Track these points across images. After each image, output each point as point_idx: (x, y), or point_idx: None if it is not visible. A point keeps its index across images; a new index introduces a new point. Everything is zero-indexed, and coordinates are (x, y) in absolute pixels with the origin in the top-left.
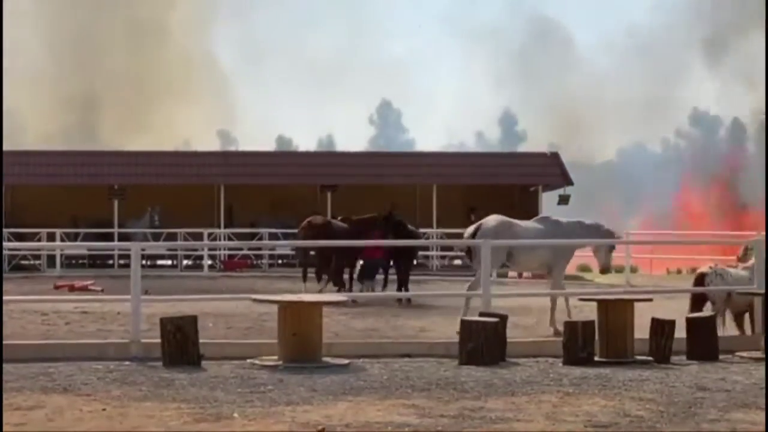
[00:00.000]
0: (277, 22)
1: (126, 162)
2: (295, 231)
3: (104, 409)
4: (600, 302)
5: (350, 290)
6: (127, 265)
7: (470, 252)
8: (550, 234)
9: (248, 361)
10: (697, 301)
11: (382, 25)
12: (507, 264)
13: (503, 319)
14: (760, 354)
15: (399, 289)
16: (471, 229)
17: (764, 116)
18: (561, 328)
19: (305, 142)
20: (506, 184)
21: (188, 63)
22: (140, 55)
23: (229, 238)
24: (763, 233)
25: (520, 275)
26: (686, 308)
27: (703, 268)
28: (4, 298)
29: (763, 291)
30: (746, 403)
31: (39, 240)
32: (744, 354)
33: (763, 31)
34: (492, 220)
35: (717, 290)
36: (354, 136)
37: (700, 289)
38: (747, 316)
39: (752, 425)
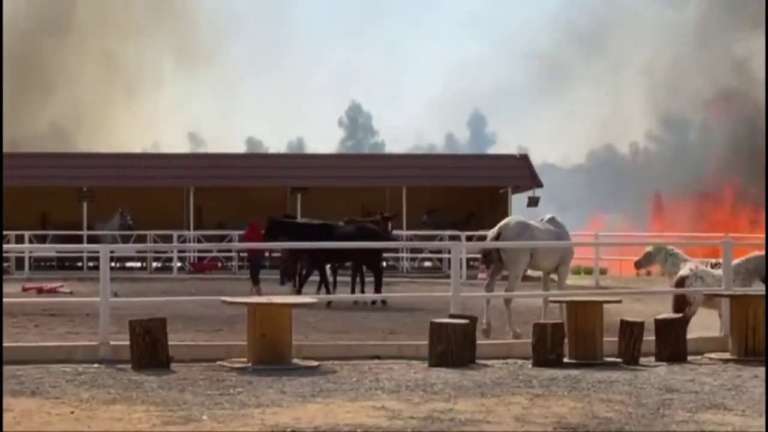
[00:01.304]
0: (248, 25)
1: (95, 164)
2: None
3: (72, 412)
4: (569, 304)
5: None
6: (96, 268)
7: (488, 257)
8: (563, 236)
9: (217, 363)
10: (679, 304)
11: (353, 28)
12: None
13: (473, 320)
14: (728, 355)
15: (376, 291)
16: (493, 231)
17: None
18: (519, 329)
19: (275, 144)
20: (476, 186)
21: (156, 64)
22: (110, 54)
23: (199, 240)
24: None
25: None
26: (655, 310)
27: (684, 271)
28: None
29: (729, 292)
30: (714, 404)
31: (8, 242)
32: (712, 355)
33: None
34: (512, 222)
35: (686, 291)
36: (324, 139)
37: (670, 290)
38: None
39: (720, 426)
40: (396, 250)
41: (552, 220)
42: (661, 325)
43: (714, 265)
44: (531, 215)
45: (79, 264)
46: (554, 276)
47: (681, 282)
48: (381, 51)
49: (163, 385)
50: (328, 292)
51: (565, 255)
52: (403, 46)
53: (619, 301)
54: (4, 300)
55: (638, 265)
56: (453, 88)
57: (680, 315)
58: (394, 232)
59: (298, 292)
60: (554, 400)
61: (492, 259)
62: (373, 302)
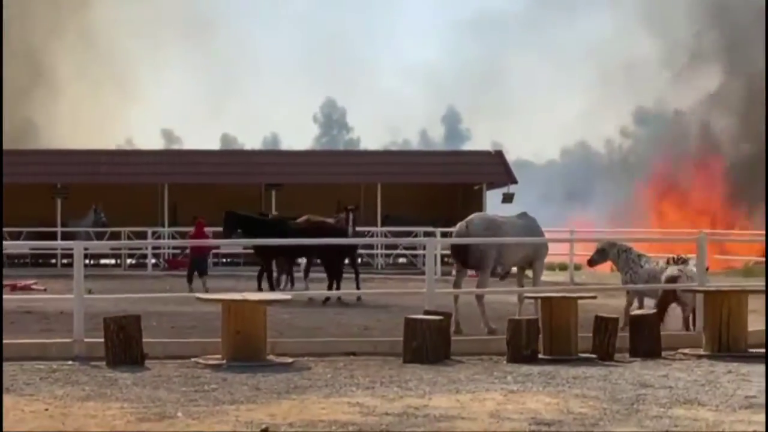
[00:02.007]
0: (221, 21)
1: (69, 161)
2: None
3: (47, 409)
4: (543, 300)
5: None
6: (70, 265)
7: (462, 254)
8: (533, 229)
9: (192, 360)
10: (666, 302)
11: (327, 24)
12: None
13: (447, 316)
14: (701, 351)
15: (329, 288)
16: (460, 229)
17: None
18: (494, 325)
19: (250, 140)
20: (450, 182)
21: (131, 60)
22: (82, 50)
23: (173, 237)
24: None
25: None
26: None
27: (672, 271)
28: None
29: (703, 288)
30: (688, 400)
31: None
32: (686, 351)
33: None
34: (479, 219)
35: (653, 287)
36: (299, 135)
37: (648, 286)
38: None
39: (694, 421)
40: (370, 246)
41: (523, 215)
42: (635, 321)
43: (676, 261)
44: (506, 211)
45: (53, 261)
46: (529, 272)
47: (673, 281)
48: (355, 46)
49: (137, 382)
50: (270, 288)
51: (539, 249)
52: (376, 41)
53: (594, 297)
54: None
55: (591, 262)
56: (429, 83)
57: (654, 311)
58: (367, 228)
59: (271, 289)
60: (529, 395)
61: (465, 259)
62: (326, 299)
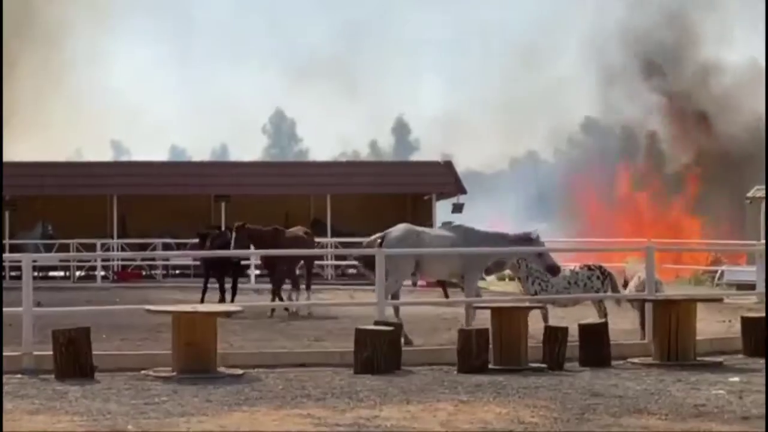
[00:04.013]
0: (168, 31)
1: (17, 173)
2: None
3: None
4: (494, 310)
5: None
6: (18, 277)
7: (370, 262)
8: (462, 242)
9: (142, 372)
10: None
11: (276, 33)
12: (414, 273)
13: (398, 327)
14: (651, 360)
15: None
16: (375, 239)
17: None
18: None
19: (199, 151)
20: (400, 193)
21: (79, 71)
22: (30, 59)
23: (123, 249)
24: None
25: (414, 284)
26: (579, 315)
27: (642, 275)
28: None
29: (653, 297)
30: (638, 409)
31: None
32: (636, 360)
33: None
34: (397, 229)
35: (599, 297)
36: (248, 146)
37: (597, 296)
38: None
39: (644, 429)
40: (320, 257)
41: (454, 228)
42: (585, 331)
43: (601, 270)
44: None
45: (2, 274)
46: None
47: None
48: (303, 56)
49: (87, 395)
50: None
51: (468, 263)
52: (325, 49)
53: (544, 307)
54: None
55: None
56: (378, 95)
57: (604, 321)
58: (318, 239)
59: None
60: (480, 405)
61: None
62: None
